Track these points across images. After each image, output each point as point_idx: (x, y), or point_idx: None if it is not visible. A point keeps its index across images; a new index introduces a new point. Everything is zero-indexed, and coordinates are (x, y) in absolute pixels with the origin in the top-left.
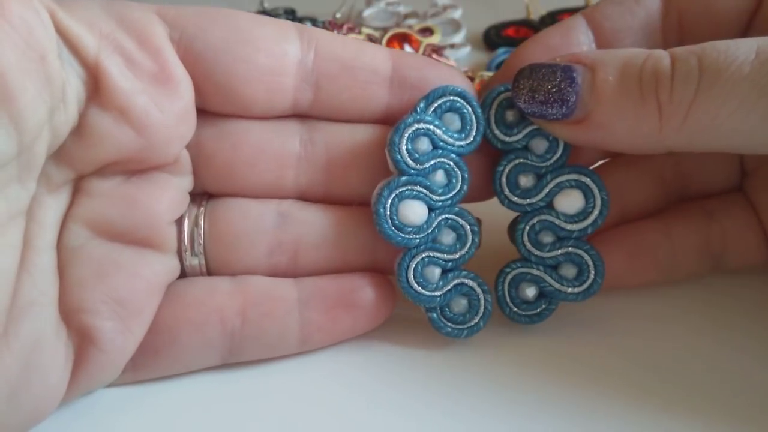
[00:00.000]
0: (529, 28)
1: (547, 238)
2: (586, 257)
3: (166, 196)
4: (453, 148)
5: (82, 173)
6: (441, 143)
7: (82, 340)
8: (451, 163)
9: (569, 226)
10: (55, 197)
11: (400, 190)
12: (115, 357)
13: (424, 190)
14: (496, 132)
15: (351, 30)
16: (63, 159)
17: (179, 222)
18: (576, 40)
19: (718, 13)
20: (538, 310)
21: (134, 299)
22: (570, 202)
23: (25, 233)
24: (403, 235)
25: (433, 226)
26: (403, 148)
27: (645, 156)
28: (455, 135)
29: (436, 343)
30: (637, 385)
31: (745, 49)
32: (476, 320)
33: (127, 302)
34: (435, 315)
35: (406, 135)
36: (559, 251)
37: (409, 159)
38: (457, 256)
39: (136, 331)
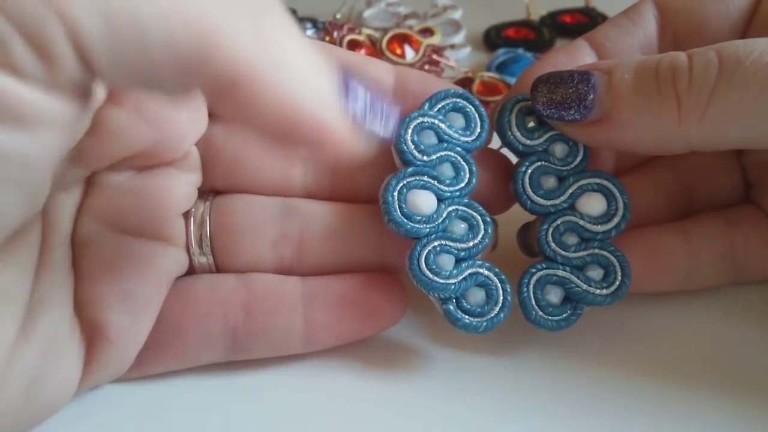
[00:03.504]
0: (529, 28)
1: (572, 240)
2: (612, 258)
3: (176, 191)
4: (458, 142)
5: (96, 169)
6: (446, 137)
7: (92, 333)
8: (458, 157)
9: (594, 228)
10: (69, 194)
11: (408, 180)
12: (124, 349)
13: (432, 181)
14: (518, 135)
15: (351, 30)
16: (78, 157)
17: (186, 219)
18: (582, 59)
19: (709, 33)
20: (565, 315)
21: (143, 292)
22: (593, 204)
23: (42, 230)
24: (412, 223)
25: (443, 216)
26: (409, 139)
27: (650, 168)
28: (460, 131)
29: (448, 344)
30: (652, 388)
31: (762, 42)
32: (496, 311)
33: (137, 295)
34: (451, 307)
35: (412, 127)
36: (586, 252)
37: (415, 150)
38: (471, 245)
39: (145, 324)
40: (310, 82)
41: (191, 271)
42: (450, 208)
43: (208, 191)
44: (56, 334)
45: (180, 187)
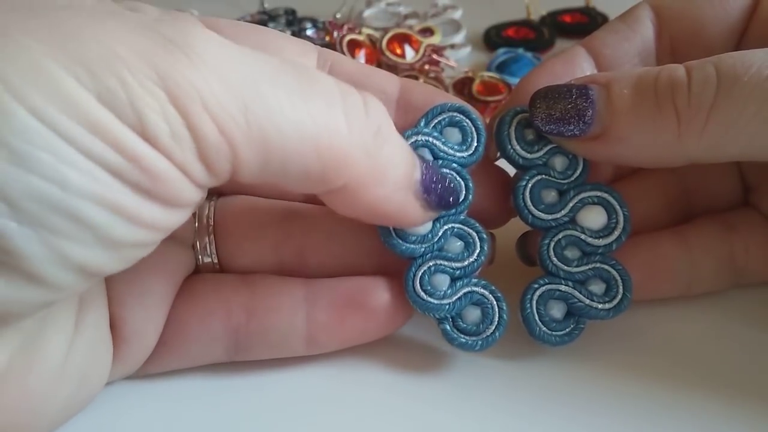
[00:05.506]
0: (529, 28)
1: (573, 254)
2: (614, 272)
3: None
4: (454, 158)
5: None
6: (441, 154)
7: (111, 330)
8: (454, 173)
9: (595, 242)
10: None
11: None
12: (137, 348)
13: None
14: (517, 148)
15: (351, 30)
16: None
17: (192, 219)
18: (579, 67)
19: (706, 37)
20: (568, 330)
21: (157, 291)
22: (593, 217)
23: None
24: (407, 244)
25: (439, 235)
26: None
27: (649, 174)
28: (456, 147)
29: (452, 351)
30: (654, 391)
31: (760, 55)
32: (491, 330)
33: (151, 294)
34: (447, 326)
35: None
36: (588, 266)
37: None
38: (466, 263)
39: (157, 324)
40: (398, 192)
41: (195, 270)
42: (446, 227)
43: (211, 192)
44: (99, 330)
45: None
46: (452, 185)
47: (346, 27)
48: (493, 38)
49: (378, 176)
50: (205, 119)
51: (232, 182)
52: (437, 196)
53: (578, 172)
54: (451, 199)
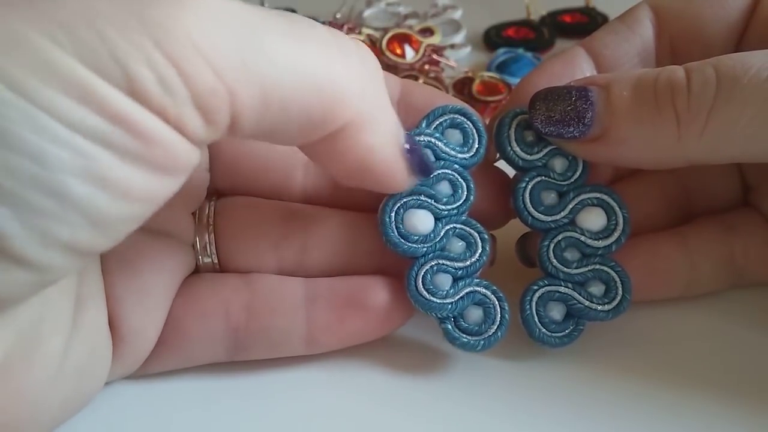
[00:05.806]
0: (529, 28)
1: (573, 255)
2: (613, 274)
3: (187, 188)
4: (456, 159)
5: None
6: (443, 155)
7: (110, 329)
8: (455, 174)
9: (595, 243)
10: None
11: (405, 199)
12: (136, 347)
13: (429, 200)
14: (517, 150)
15: (351, 30)
16: None
17: (192, 218)
18: (579, 68)
19: (706, 37)
20: (567, 331)
21: (157, 290)
22: (593, 219)
23: None
24: (409, 243)
25: (441, 235)
26: None
27: (649, 175)
28: (457, 148)
29: (452, 352)
30: (654, 391)
31: (760, 57)
32: (493, 330)
33: (151, 293)
34: (449, 326)
35: None
36: (587, 268)
37: None
38: (468, 263)
39: (157, 323)
40: (389, 145)
41: (195, 270)
42: (447, 227)
43: (211, 192)
44: (98, 329)
45: (191, 183)
46: (425, 155)
47: (346, 27)
48: (493, 38)
49: (373, 121)
50: (198, 63)
51: (231, 173)
52: (418, 158)
53: (578, 173)
54: (427, 165)
